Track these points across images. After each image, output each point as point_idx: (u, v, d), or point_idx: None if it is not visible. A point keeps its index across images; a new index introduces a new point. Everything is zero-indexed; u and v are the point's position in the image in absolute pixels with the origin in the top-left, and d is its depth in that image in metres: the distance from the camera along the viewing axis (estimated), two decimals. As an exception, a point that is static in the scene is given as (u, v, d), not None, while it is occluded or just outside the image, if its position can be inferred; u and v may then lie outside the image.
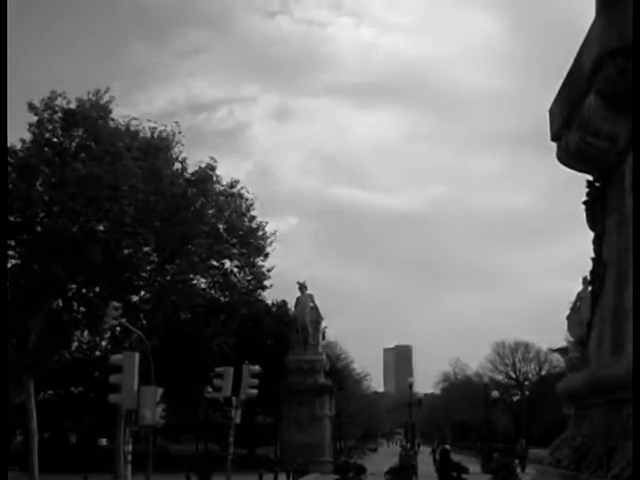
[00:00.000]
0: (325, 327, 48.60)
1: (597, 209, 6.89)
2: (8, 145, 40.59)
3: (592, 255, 6.95)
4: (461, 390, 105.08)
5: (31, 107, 41.58)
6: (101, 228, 42.54)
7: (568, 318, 44.37)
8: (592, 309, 6.91)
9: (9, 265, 41.48)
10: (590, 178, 7.08)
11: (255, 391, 33.57)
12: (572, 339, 44.63)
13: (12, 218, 40.41)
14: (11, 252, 41.85)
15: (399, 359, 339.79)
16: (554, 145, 7.37)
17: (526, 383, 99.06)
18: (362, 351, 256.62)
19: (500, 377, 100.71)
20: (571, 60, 6.84)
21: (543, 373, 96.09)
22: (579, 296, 41.15)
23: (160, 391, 25.35)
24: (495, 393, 77.35)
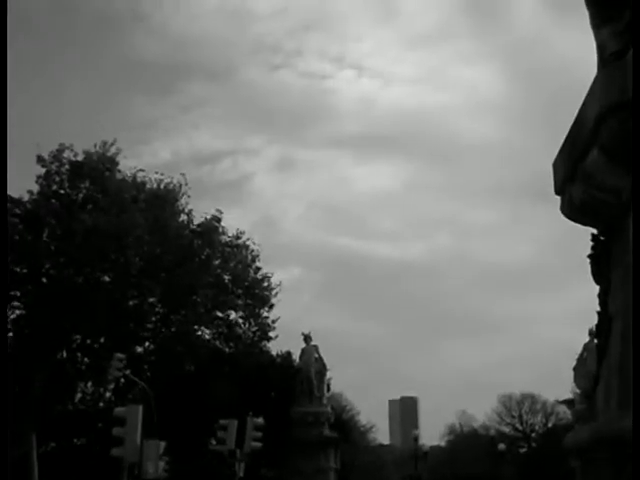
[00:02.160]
0: (330, 378, 48.20)
1: (602, 263, 6.92)
2: (16, 197, 40.98)
3: (597, 309, 6.96)
4: (467, 443, 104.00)
5: (39, 159, 41.99)
6: (107, 279, 42.64)
7: (574, 370, 44.03)
8: (598, 362, 6.90)
9: (14, 316, 41.48)
10: (595, 231, 7.12)
11: (259, 444, 33.32)
12: (579, 391, 44.26)
13: (18, 269, 40.52)
14: (16, 303, 41.87)
15: (405, 411, 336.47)
16: (557, 197, 7.42)
17: (533, 435, 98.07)
18: (367, 402, 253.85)
19: (507, 429, 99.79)
20: (573, 112, 6.93)
21: (550, 425, 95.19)
22: (585, 347, 40.88)
23: (163, 444, 25.18)
24: (502, 446, 76.52)
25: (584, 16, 7.32)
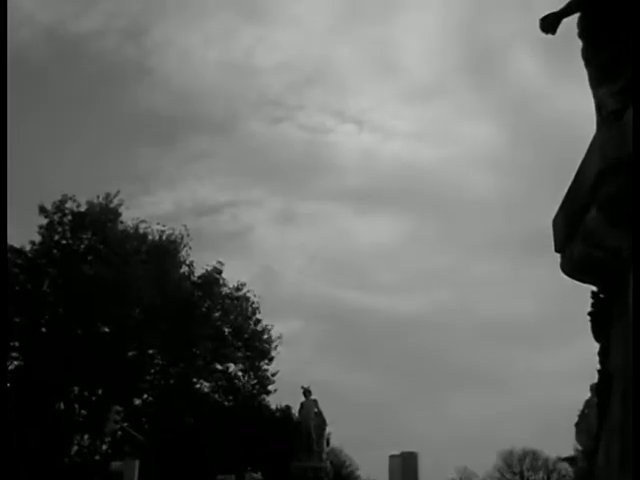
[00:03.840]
0: (329, 433, 47.66)
1: (602, 321, 6.91)
2: (18, 247, 41.03)
3: (598, 367, 6.93)
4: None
5: (42, 210, 42.14)
6: (106, 330, 42.50)
7: (576, 426, 43.53)
8: (599, 421, 6.86)
9: (12, 367, 41.24)
10: (595, 289, 7.12)
11: (257, 499, 32.92)
12: (580, 448, 43.75)
13: (18, 319, 40.40)
14: (15, 354, 41.64)
15: (405, 466, 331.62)
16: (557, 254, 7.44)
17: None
18: (367, 457, 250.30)
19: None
20: (573, 168, 6.98)
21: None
22: (587, 404, 40.53)
23: (160, 499, 24.89)
24: (503, 503, 75.45)
25: (584, 72, 7.44)
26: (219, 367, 46.40)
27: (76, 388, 43.82)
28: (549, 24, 7.49)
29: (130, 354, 43.51)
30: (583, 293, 7.35)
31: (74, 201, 42.87)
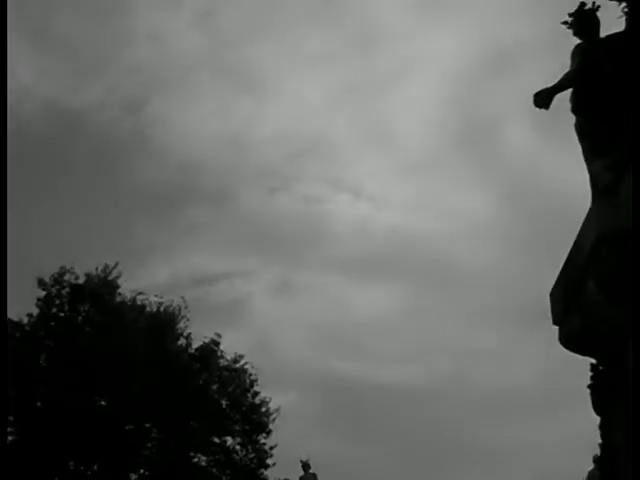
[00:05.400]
0: (329, 508, 46.80)
1: (602, 393, 6.87)
2: (15, 319, 40.94)
3: (599, 440, 6.87)
4: None
5: (40, 283, 42.11)
6: (103, 403, 42.07)
7: (580, 499, 42.79)
8: (603, 497, 6.77)
9: (7, 441, 40.72)
10: (594, 361, 7.10)
11: None
12: (585, 522, 42.90)
13: (13, 393, 40.00)
14: (10, 428, 41.15)
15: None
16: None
17: None
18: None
19: None
20: (568, 241, 7.02)
21: None
22: (590, 475, 39.93)
23: None
24: None
25: (578, 145, 7.55)
26: (217, 441, 45.72)
27: (72, 463, 43.16)
28: (543, 99, 7.58)
29: (127, 427, 42.97)
30: (584, 362, 7.32)
31: (72, 273, 42.83)
